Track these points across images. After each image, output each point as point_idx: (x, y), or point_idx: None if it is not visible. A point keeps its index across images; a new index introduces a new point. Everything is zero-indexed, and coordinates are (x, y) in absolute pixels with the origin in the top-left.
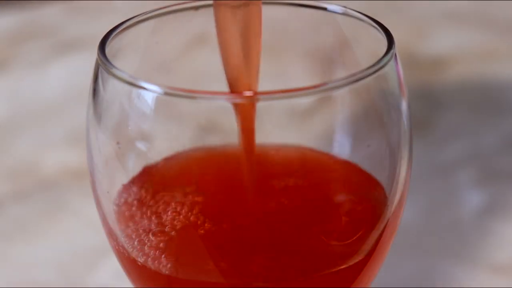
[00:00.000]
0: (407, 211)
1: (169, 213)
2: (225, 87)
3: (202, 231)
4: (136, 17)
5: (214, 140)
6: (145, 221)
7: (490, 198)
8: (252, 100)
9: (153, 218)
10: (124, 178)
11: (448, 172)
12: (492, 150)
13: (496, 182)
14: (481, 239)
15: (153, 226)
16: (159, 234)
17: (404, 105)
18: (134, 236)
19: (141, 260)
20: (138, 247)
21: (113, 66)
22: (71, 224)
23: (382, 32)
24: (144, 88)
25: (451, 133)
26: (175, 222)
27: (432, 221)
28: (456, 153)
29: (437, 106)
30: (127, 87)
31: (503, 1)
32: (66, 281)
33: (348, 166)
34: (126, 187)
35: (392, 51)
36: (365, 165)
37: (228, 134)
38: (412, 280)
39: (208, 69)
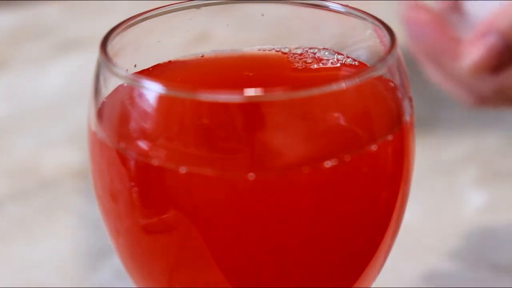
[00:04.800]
0: (408, 211)
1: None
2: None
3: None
4: (137, 16)
5: None
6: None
7: (490, 198)
8: (253, 100)
9: None
10: (125, 177)
11: (449, 172)
12: (493, 150)
13: (497, 182)
14: (481, 239)
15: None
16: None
17: (405, 105)
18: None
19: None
20: None
21: (115, 65)
22: (71, 224)
23: (385, 31)
24: (146, 87)
25: (452, 132)
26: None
27: (433, 221)
28: (457, 152)
29: (438, 106)
30: (128, 85)
31: None
32: (66, 281)
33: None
34: None
35: (395, 50)
36: None
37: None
38: (412, 280)
39: None
